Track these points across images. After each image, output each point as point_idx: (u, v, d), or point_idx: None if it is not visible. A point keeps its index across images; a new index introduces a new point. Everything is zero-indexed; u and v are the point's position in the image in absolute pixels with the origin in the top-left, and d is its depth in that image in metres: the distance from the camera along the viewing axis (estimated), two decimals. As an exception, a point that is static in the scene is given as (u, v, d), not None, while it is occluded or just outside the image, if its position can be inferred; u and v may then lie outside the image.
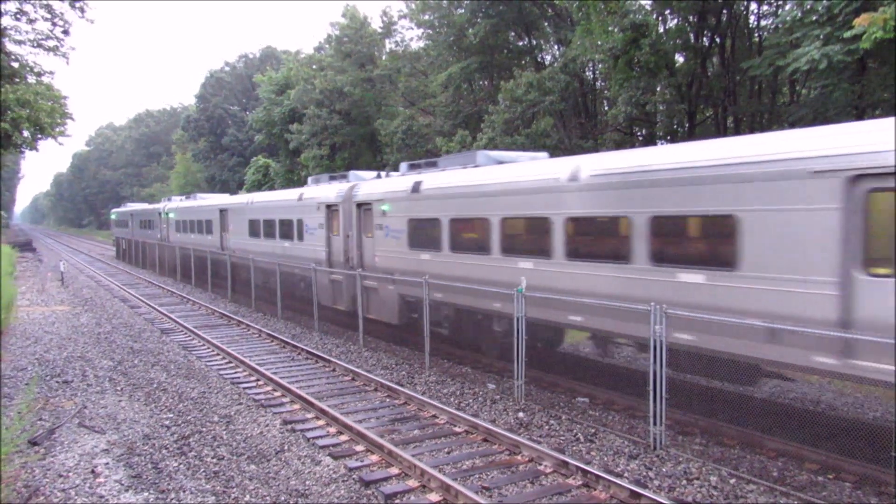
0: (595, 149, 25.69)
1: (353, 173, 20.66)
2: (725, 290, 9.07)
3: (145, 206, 51.70)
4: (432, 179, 15.39)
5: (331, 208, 19.73)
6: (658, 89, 24.37)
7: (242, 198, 30.65)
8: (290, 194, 23.57)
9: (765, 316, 8.47)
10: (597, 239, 11.40)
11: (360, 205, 18.21)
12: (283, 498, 7.84)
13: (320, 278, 19.17)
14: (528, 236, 12.64)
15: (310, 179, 24.09)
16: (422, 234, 15.44)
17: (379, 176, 19.96)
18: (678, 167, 9.76)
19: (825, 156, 7.99)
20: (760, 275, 8.67)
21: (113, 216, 58.39)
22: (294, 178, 46.85)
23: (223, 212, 30.07)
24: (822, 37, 15.74)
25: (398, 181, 16.94)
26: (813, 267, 8.10)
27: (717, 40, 25.03)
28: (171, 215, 38.44)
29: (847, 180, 7.74)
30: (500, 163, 14.67)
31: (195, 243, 32.64)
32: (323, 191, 20.69)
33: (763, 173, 8.59)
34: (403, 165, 18.08)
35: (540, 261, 12.07)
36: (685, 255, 9.82)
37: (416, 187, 15.66)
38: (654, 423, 9.21)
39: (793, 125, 18.69)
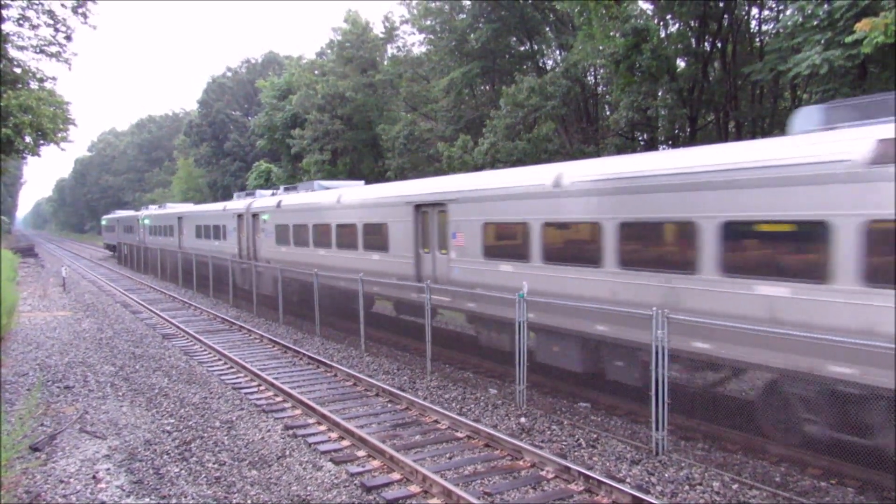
0: (597, 154, 25.70)
1: (258, 192, 29.35)
2: (686, 291, 9.55)
3: (130, 212, 59.97)
4: (287, 199, 23.56)
5: (240, 217, 27.66)
6: (659, 94, 24.40)
7: (193, 207, 40.26)
8: (219, 206, 32.14)
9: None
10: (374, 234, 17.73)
11: (254, 215, 26.14)
12: (284, 503, 7.83)
13: (235, 267, 26.95)
14: (336, 236, 19.54)
15: (234, 194, 32.80)
16: (281, 234, 23.40)
17: (273, 194, 27.30)
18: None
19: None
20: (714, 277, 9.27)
21: (104, 222, 67.19)
22: (297, 183, 46.87)
23: (180, 218, 37.52)
24: (823, 42, 15.74)
25: (271, 199, 25.30)
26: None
27: (719, 45, 25.04)
28: (146, 221, 45.73)
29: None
30: (327, 189, 21.66)
31: (162, 244, 40.15)
32: (236, 204, 29.01)
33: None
34: (281, 189, 26.98)
35: (342, 251, 19.13)
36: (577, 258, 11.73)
37: (278, 204, 23.76)
38: (657, 429, 9.19)
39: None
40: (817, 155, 8.21)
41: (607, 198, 10.86)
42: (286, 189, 26.07)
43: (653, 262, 10.20)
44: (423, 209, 15.64)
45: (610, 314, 10.42)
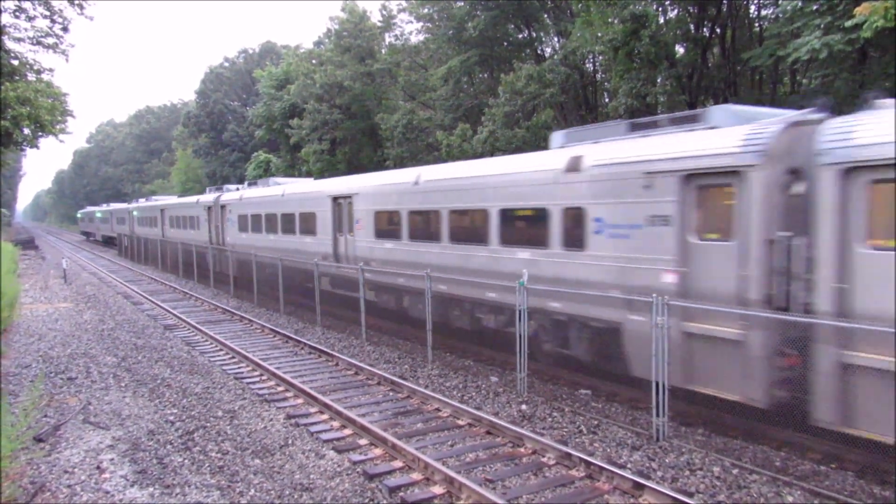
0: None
1: (226, 187, 33.84)
2: (481, 258, 13.84)
3: (121, 205, 65.95)
4: (247, 193, 27.77)
5: (209, 209, 31.91)
6: (659, 80, 24.30)
7: (173, 200, 45.59)
8: (192, 199, 37.61)
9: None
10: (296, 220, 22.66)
11: (222, 207, 30.12)
12: (287, 492, 7.88)
13: (209, 253, 30.20)
14: (281, 223, 23.87)
15: (206, 189, 38.94)
16: (242, 223, 27.66)
17: (238, 189, 30.98)
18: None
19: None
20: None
21: (98, 215, 73.64)
22: (295, 174, 46.82)
23: (162, 210, 42.57)
24: (822, 26, 15.68)
25: (235, 193, 29.24)
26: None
27: (718, 31, 24.96)
28: (135, 213, 52.24)
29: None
30: (278, 184, 26.02)
31: (147, 234, 45.32)
32: (206, 197, 33.43)
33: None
34: (245, 184, 32.26)
35: (286, 235, 23.45)
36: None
37: (240, 198, 27.90)
38: (657, 415, 9.24)
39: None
40: (546, 165, 12.42)
41: (443, 193, 15.01)
42: (249, 184, 31.24)
43: (467, 238, 14.38)
44: (338, 201, 19.77)
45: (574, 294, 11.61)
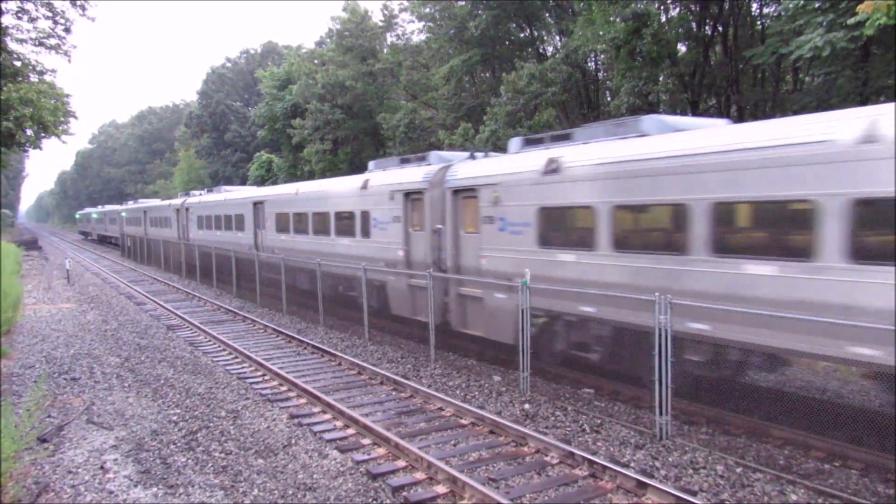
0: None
1: (192, 192, 40.02)
2: (349, 245, 19.00)
3: (115, 207, 71.62)
4: (202, 198, 34.91)
5: (178, 211, 38.69)
6: (661, 79, 24.27)
7: (151, 203, 53.25)
8: (166, 203, 45.58)
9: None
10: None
11: (186, 209, 36.64)
12: (290, 492, 7.89)
13: (175, 246, 36.49)
14: (224, 222, 30.85)
15: (179, 195, 45.85)
16: (199, 222, 34.41)
17: (199, 195, 36.06)
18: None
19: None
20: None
21: (94, 216, 79.77)
22: (298, 174, 46.85)
23: (144, 212, 50.20)
24: (825, 24, 15.64)
25: (196, 198, 35.86)
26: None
27: (720, 29, 24.91)
28: (123, 214, 59.00)
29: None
30: (228, 191, 31.07)
31: (133, 232, 51.91)
32: (175, 201, 40.66)
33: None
34: (205, 190, 39.32)
35: (227, 231, 30.13)
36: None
37: (198, 202, 33.51)
38: (660, 413, 9.23)
39: (796, 113, 18.59)
40: (353, 185, 18.85)
41: (309, 201, 21.47)
42: (208, 190, 38.23)
43: (322, 230, 20.50)
44: (257, 205, 26.27)
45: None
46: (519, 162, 12.98)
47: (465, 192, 14.31)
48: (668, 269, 9.86)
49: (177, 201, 39.89)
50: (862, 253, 7.76)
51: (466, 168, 14.60)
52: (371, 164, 19.71)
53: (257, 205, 26.12)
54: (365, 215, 17.95)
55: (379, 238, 17.32)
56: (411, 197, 15.99)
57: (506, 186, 13.00)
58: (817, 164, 8.08)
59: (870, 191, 7.61)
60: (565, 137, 12.77)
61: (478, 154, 15.92)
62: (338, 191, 19.82)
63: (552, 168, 11.84)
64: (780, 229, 8.76)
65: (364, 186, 17.95)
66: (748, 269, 8.82)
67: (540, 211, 12.18)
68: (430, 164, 16.37)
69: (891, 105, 7.68)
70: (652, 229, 10.61)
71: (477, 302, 13.92)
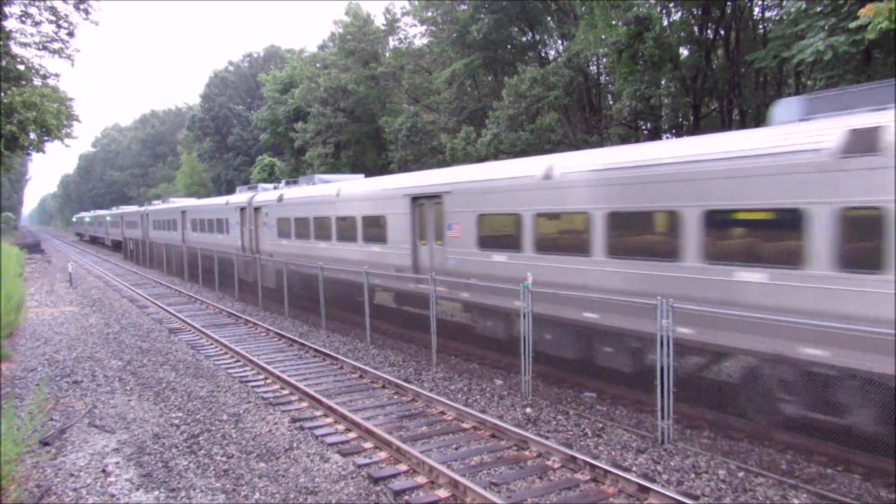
0: (600, 143, 25.63)
1: (154, 201, 51.12)
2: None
3: (101, 212, 79.09)
4: (159, 206, 44.45)
5: (143, 216, 46.06)
6: (662, 83, 24.27)
7: (127, 209, 59.87)
8: (133, 208, 55.18)
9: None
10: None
11: (147, 215, 44.60)
12: (292, 495, 7.89)
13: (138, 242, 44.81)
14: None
15: (146, 202, 56.28)
16: (154, 225, 44.68)
17: (155, 203, 42.16)
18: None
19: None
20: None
21: (87, 219, 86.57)
22: (298, 177, 46.78)
23: (121, 216, 56.36)
24: (826, 28, 15.64)
25: (157, 206, 43.02)
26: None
27: (722, 33, 24.91)
28: (108, 218, 65.00)
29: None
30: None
31: (128, 235, 54.10)
32: (138, 209, 50.00)
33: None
34: (162, 200, 50.11)
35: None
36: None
37: (158, 209, 43.15)
38: (662, 418, 9.22)
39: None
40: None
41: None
42: (163, 200, 46.14)
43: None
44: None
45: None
46: (273, 194, 24.89)
47: (258, 209, 25.98)
48: None
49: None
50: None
51: (259, 196, 26.27)
52: (237, 188, 28.96)
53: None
54: (226, 220, 29.29)
55: (234, 234, 28.62)
56: (244, 210, 27.18)
57: (269, 207, 24.85)
58: (273, 205, 20.85)
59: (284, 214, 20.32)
60: (294, 182, 25.65)
61: (279, 185, 26.99)
62: (210, 207, 29.68)
63: (279, 198, 23.89)
64: (372, 227, 17.51)
65: (226, 203, 29.22)
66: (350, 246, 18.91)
67: (279, 220, 23.98)
68: (254, 192, 27.32)
69: (288, 188, 21.73)
70: (323, 227, 21.20)
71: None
